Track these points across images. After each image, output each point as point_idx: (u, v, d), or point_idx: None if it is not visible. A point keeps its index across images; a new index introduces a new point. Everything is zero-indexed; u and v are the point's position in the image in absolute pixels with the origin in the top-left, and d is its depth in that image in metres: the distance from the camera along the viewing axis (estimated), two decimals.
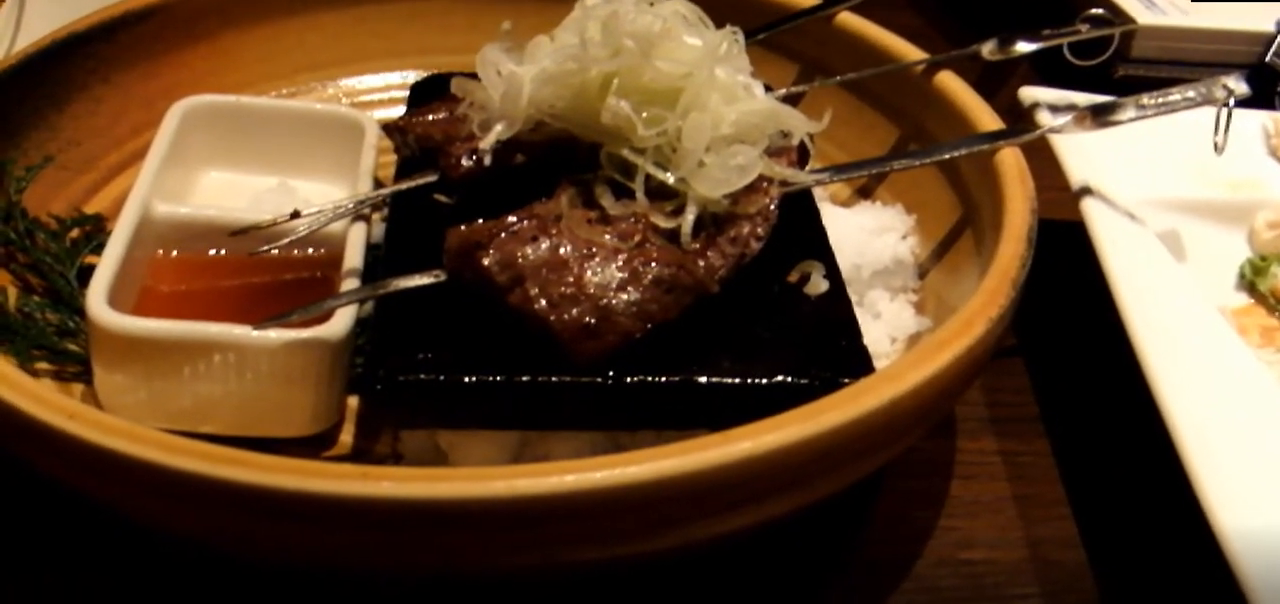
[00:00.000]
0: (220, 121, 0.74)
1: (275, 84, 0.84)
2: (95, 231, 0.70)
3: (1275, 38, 1.03)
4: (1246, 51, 1.05)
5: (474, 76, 0.65)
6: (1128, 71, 0.99)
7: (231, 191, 0.73)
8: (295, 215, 0.61)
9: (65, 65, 0.74)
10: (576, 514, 0.45)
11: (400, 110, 0.79)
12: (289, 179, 0.73)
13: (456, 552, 0.47)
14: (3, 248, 0.66)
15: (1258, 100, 0.95)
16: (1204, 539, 0.55)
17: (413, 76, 0.83)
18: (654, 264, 0.55)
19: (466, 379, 0.53)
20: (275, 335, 0.55)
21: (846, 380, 0.53)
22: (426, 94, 0.74)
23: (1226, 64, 1.01)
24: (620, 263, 0.55)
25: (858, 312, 0.61)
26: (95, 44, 0.76)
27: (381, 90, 0.87)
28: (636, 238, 0.56)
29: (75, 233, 0.69)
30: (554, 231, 0.55)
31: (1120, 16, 1.02)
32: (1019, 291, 0.57)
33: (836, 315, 0.59)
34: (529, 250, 0.54)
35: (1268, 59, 1.02)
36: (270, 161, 0.74)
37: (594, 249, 0.55)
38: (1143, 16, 1.03)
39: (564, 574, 0.53)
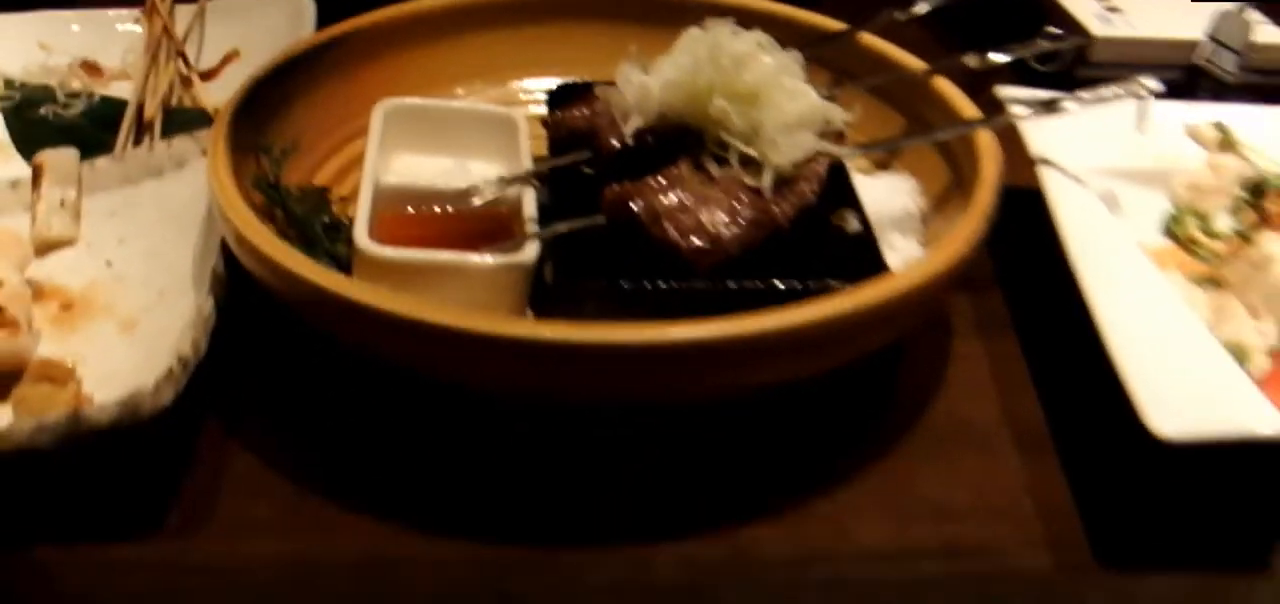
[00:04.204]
0: (408, 117, 0.92)
1: (440, 88, 1.02)
2: (322, 199, 0.88)
3: (1199, 44, 1.23)
4: (1183, 55, 1.26)
5: (609, 85, 0.88)
6: (1087, 74, 1.15)
7: (420, 168, 0.91)
8: (503, 180, 0.82)
9: (290, 77, 0.93)
10: (702, 356, 0.67)
11: (539, 109, 0.97)
12: (462, 160, 0.91)
13: (604, 379, 0.70)
14: (267, 211, 0.82)
15: (1187, 91, 1.19)
16: (1116, 394, 0.70)
17: (550, 82, 1.00)
18: (746, 208, 0.78)
19: (623, 284, 0.74)
20: (491, 258, 0.76)
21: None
22: (562, 97, 0.93)
23: (1169, 64, 1.24)
24: (724, 208, 0.77)
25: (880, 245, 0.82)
26: (308, 61, 0.95)
27: (526, 93, 1.06)
28: (734, 192, 0.79)
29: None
30: (679, 187, 0.78)
31: (1079, 30, 1.22)
32: (988, 224, 0.77)
33: (866, 244, 0.81)
34: (663, 199, 0.77)
35: (1195, 60, 1.23)
36: (446, 147, 0.92)
37: (707, 199, 0.77)
38: (1098, 30, 1.24)
39: (674, 403, 0.76)
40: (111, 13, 1.23)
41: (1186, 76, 1.22)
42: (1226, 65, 1.23)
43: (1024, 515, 0.75)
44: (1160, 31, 1.26)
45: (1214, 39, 1.24)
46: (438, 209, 0.86)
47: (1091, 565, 0.72)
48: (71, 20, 1.23)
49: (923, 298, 0.73)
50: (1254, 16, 1.25)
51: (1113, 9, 1.27)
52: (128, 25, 1.22)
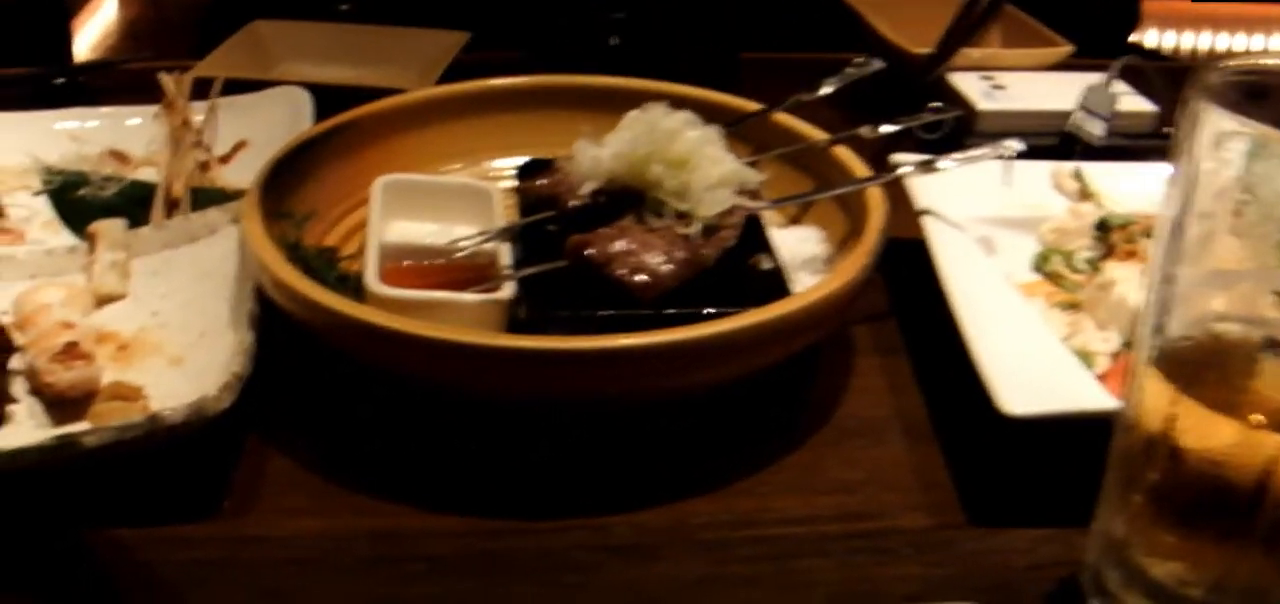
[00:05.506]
0: (402, 189, 1.07)
1: (428, 166, 1.16)
2: (334, 257, 1.02)
3: (1072, 113, 1.39)
4: (1058, 123, 1.38)
5: (567, 158, 1.07)
6: (976, 142, 1.18)
7: (412, 232, 1.05)
8: (483, 236, 1.00)
9: (305, 157, 1.07)
10: (641, 360, 0.83)
11: (511, 181, 1.16)
12: (447, 225, 1.05)
13: (569, 381, 0.86)
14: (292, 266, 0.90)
15: (1063, 153, 1.34)
16: (981, 390, 0.85)
17: (519, 160, 1.16)
18: (679, 251, 0.93)
19: (583, 313, 0.90)
20: (474, 296, 0.94)
21: None
22: (528, 171, 1.10)
23: (1047, 131, 1.37)
24: (662, 251, 0.92)
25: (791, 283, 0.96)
26: (318, 144, 1.10)
27: (501, 171, 1.20)
28: (669, 239, 0.94)
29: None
30: (626, 236, 0.95)
31: (963, 104, 1.39)
32: (873, 260, 0.91)
33: (776, 278, 0.95)
34: (613, 245, 0.92)
35: (1067, 127, 1.39)
36: (433, 214, 1.07)
37: (648, 244, 0.95)
38: (981, 104, 1.38)
39: (629, 402, 0.90)
40: (127, 110, 1.41)
41: (1063, 140, 1.38)
42: (1095, 130, 1.35)
43: (908, 487, 0.92)
44: (1037, 103, 1.40)
45: (1084, 108, 1.37)
46: (429, 261, 1.02)
47: (963, 523, 0.88)
48: (94, 116, 1.40)
49: (816, 316, 0.88)
50: (1120, 87, 1.42)
51: (997, 86, 1.43)
52: (136, 121, 1.40)
